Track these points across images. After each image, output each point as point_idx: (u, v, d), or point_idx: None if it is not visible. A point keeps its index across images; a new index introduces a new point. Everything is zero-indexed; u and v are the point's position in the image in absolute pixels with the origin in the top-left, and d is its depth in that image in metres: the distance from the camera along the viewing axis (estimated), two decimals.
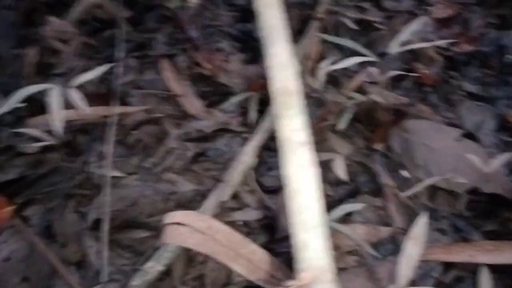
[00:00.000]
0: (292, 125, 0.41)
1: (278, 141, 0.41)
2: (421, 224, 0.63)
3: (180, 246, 0.69)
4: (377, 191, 0.86)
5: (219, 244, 0.64)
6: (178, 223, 0.67)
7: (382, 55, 0.95)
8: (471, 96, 0.99)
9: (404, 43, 0.86)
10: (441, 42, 1.01)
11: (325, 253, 0.39)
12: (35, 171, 0.80)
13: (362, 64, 0.95)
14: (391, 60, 0.99)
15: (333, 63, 0.90)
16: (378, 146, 0.91)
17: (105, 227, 0.71)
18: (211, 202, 0.75)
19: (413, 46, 0.89)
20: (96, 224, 0.76)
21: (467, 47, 1.07)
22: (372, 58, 0.84)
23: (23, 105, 0.80)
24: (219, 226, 0.68)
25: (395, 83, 1.00)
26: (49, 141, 0.77)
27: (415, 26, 0.83)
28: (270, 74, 0.44)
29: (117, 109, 0.85)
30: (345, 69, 1.01)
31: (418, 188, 0.77)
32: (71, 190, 0.79)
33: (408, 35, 0.82)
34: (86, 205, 0.77)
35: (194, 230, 0.66)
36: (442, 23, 1.10)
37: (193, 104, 0.96)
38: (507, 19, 1.11)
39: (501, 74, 1.02)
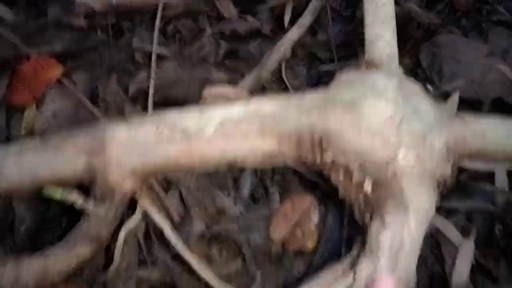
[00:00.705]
0: None
1: None
2: (454, 99, 0.67)
3: None
4: None
5: None
6: (216, 94, 0.71)
7: None
8: (502, 24, 1.01)
9: None
10: None
11: (394, 45, 0.43)
12: (82, 45, 0.84)
13: None
14: None
15: None
16: (406, 61, 0.94)
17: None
18: (248, 81, 0.79)
19: None
20: (136, 97, 0.81)
21: None
22: None
23: None
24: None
25: (429, 5, 1.02)
26: (98, 14, 0.81)
27: None
28: None
29: None
30: None
31: (443, 90, 0.80)
32: (114, 64, 0.84)
33: None
34: (128, 79, 0.82)
35: (232, 101, 0.70)
36: None
37: (228, 8, 0.99)
38: None
39: None
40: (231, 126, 0.41)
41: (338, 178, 0.40)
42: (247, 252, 0.72)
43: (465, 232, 0.68)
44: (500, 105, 0.84)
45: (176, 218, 0.70)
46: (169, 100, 0.82)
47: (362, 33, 0.69)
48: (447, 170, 0.38)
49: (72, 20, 0.85)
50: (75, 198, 0.46)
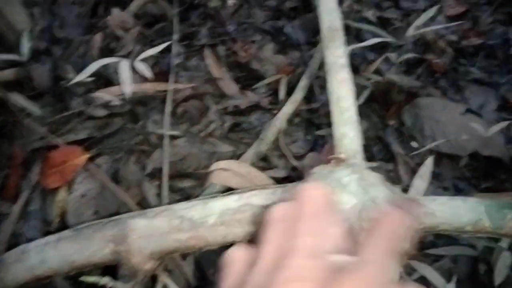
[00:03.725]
0: (336, 53, 0.55)
1: (326, 66, 0.55)
2: (428, 164, 0.76)
3: (223, 186, 0.84)
4: (390, 158, 0.99)
5: (256, 185, 0.77)
6: (222, 169, 0.82)
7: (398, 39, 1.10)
8: (477, 82, 1.12)
9: (418, 28, 0.99)
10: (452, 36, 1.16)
11: (358, 142, 0.53)
12: (103, 132, 0.96)
13: (380, 52, 1.10)
14: (406, 47, 1.13)
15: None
16: (391, 122, 1.04)
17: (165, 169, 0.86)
18: (249, 154, 0.89)
19: (426, 29, 1.02)
20: (153, 174, 0.91)
21: (475, 40, 1.20)
22: (389, 39, 0.98)
23: (92, 79, 0.96)
24: (256, 172, 0.82)
25: (409, 70, 1.14)
26: (115, 105, 0.93)
27: (430, 13, 0.96)
28: (320, 17, 0.58)
29: (170, 86, 1.01)
30: (364, 57, 1.16)
31: (425, 149, 0.90)
32: (132, 146, 0.95)
33: (423, 20, 0.95)
34: (145, 158, 0.93)
35: (236, 173, 0.81)
36: (454, 19, 1.23)
37: (230, 86, 1.12)
38: None
39: (506, 63, 1.15)
40: (229, 216, 0.50)
41: None
42: None
43: (451, 273, 0.76)
44: (477, 158, 0.93)
45: (193, 282, 0.79)
46: (182, 174, 0.93)
47: None
48: (406, 245, 0.47)
49: (93, 111, 0.97)
50: (106, 281, 0.56)
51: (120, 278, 0.55)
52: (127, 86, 0.83)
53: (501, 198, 0.82)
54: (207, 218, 0.50)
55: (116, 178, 0.90)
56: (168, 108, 0.93)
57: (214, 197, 0.53)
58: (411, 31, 0.93)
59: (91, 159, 0.91)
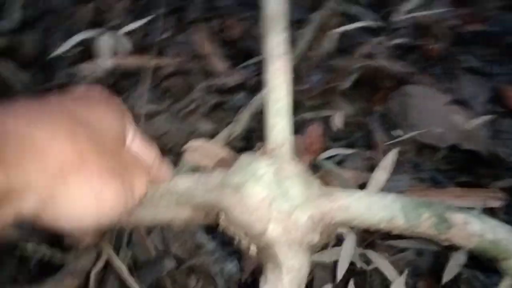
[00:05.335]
0: (275, 41, 0.54)
1: (264, 53, 0.54)
2: (390, 156, 0.75)
3: (194, 165, 0.84)
4: (370, 146, 0.98)
5: (228, 166, 0.77)
6: (195, 148, 0.82)
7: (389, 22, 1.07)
8: (472, 71, 1.08)
9: (410, 12, 0.96)
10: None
11: (287, 132, 0.52)
12: None
13: (375, 35, 1.07)
14: (401, 32, 1.10)
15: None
16: (378, 108, 1.02)
17: None
18: (223, 134, 0.89)
19: (419, 14, 0.98)
20: None
21: (476, 26, 1.15)
22: (378, 23, 0.95)
23: (78, 50, 0.97)
24: (226, 153, 0.82)
25: (403, 55, 1.11)
26: (98, 78, 0.94)
27: None
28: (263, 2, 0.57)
29: (154, 61, 1.01)
30: (355, 39, 1.13)
31: (404, 138, 0.88)
32: None
33: (414, 4, 0.92)
34: None
35: (207, 153, 0.81)
36: (457, 3, 1.19)
37: (219, 63, 1.11)
38: None
39: (504, 53, 1.11)
40: (157, 198, 0.51)
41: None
42: (220, 281, 0.82)
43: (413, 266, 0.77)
44: (457, 150, 0.91)
45: (155, 255, 0.81)
46: (161, 150, 0.93)
47: None
48: (314, 238, 0.47)
49: (74, 85, 0.97)
50: (44, 251, 0.57)
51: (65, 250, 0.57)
52: (106, 59, 0.83)
53: (420, 196, 0.81)
54: None
55: None
56: (146, 84, 0.93)
57: None
58: (395, 16, 0.90)
59: None
